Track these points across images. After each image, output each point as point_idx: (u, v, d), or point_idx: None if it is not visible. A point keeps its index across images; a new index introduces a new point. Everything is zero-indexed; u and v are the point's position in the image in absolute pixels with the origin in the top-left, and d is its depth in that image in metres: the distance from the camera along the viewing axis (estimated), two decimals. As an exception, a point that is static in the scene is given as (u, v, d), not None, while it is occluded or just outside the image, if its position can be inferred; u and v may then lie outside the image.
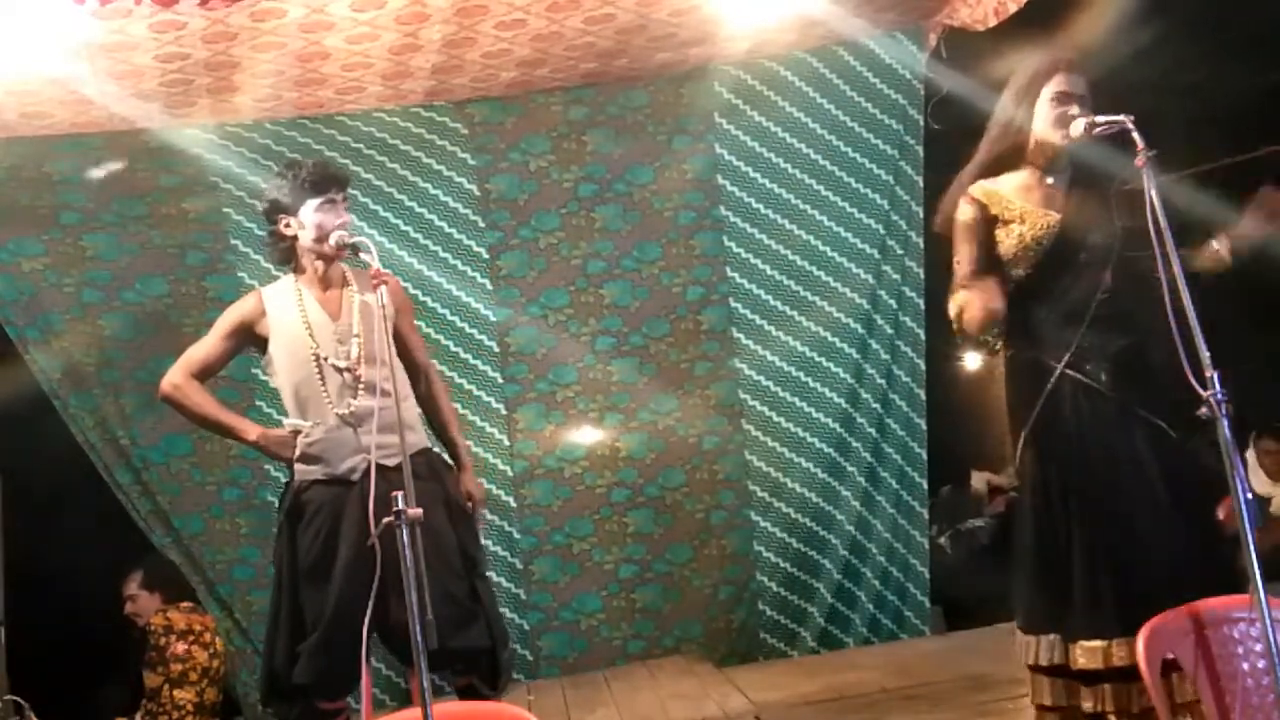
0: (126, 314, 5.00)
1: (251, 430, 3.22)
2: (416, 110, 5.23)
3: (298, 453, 3.13)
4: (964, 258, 3.03)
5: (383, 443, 2.94)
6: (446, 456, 3.36)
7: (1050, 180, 3.01)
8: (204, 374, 3.25)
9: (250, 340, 3.24)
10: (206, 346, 3.24)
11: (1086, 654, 2.80)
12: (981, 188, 3.03)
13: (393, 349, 2.77)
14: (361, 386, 3.10)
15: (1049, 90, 2.95)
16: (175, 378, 3.21)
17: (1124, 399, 2.90)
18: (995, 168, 3.05)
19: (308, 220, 3.13)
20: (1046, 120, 2.95)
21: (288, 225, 3.16)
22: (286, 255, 3.23)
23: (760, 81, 5.34)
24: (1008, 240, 2.99)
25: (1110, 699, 2.81)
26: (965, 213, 3.03)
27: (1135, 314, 2.93)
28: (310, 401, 3.13)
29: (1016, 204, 3.00)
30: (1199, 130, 5.40)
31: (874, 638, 5.26)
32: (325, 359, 3.11)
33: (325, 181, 3.12)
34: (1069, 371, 2.92)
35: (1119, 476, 2.87)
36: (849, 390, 5.28)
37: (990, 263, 3.01)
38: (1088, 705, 2.84)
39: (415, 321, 3.57)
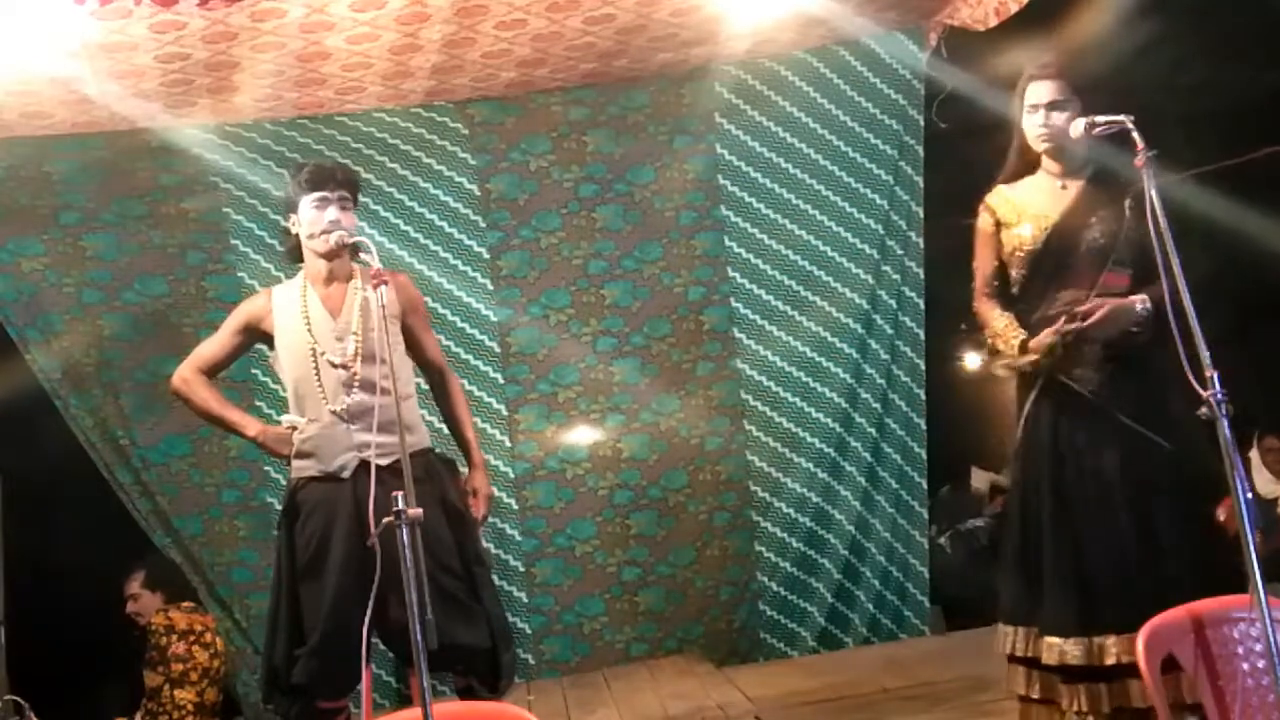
0: (126, 314, 5.00)
1: (252, 426, 3.25)
2: (417, 110, 5.23)
3: (294, 449, 3.15)
4: (978, 265, 3.18)
5: (379, 441, 2.94)
6: (452, 456, 3.36)
7: (1061, 184, 3.07)
8: (213, 370, 3.30)
9: (258, 337, 3.28)
10: (215, 343, 3.31)
11: (1048, 649, 2.93)
12: (997, 193, 3.15)
13: (393, 347, 2.76)
14: (357, 383, 3.10)
15: (1028, 98, 3.07)
16: (184, 372, 3.28)
17: (1110, 407, 2.93)
18: (1017, 174, 3.16)
19: (302, 217, 3.16)
20: (1028, 128, 3.07)
21: (293, 223, 3.20)
22: (295, 254, 3.26)
23: (761, 81, 5.34)
24: (1007, 244, 3.10)
25: (1085, 698, 2.88)
26: (982, 219, 3.17)
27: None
28: (308, 398, 3.14)
29: (1019, 207, 3.09)
30: (1198, 129, 5.40)
31: (874, 638, 5.26)
32: (322, 355, 3.12)
33: (320, 179, 3.14)
34: (1058, 376, 2.98)
35: (1087, 483, 2.95)
36: (848, 390, 5.28)
37: (1003, 268, 3.14)
38: (1064, 703, 2.95)
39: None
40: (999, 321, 3.10)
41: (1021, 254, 3.06)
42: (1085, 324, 2.91)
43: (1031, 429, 3.03)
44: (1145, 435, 2.89)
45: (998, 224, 3.12)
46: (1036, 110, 3.03)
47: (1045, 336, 2.96)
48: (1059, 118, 2.99)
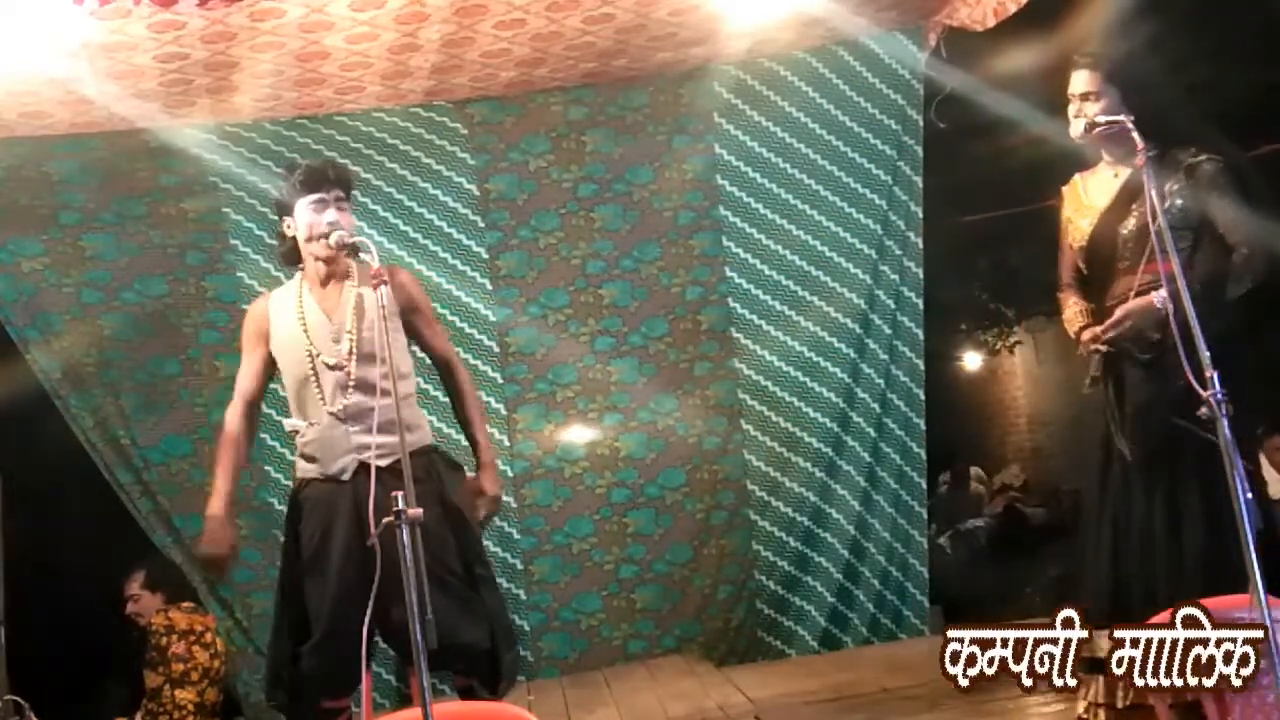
0: (126, 314, 4.99)
1: (214, 508, 3.13)
2: (416, 110, 5.22)
3: (297, 452, 3.16)
4: (1060, 255, 3.29)
5: (379, 441, 2.94)
6: (460, 451, 3.35)
7: (1114, 172, 3.09)
8: (254, 396, 3.26)
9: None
10: (244, 371, 3.27)
11: None
12: (1073, 183, 3.22)
13: (391, 347, 2.75)
14: (353, 384, 3.10)
15: (1069, 88, 3.10)
16: (227, 416, 3.24)
17: (1146, 401, 2.94)
18: (1093, 161, 3.22)
19: (300, 220, 3.14)
20: (1070, 118, 3.11)
21: (288, 226, 3.18)
22: (291, 256, 3.25)
23: (760, 81, 5.33)
24: (1070, 236, 3.21)
25: (1102, 691, 2.88)
26: (1063, 211, 3.26)
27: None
28: (308, 401, 3.15)
29: (1082, 198, 3.16)
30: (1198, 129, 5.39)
31: (874, 638, 5.25)
32: (318, 357, 3.11)
33: (316, 181, 3.12)
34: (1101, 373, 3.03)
35: (1110, 474, 2.96)
36: (846, 390, 5.27)
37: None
38: (1082, 692, 3.00)
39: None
40: (1068, 310, 3.21)
41: (1077, 247, 3.16)
42: (1105, 339, 2.95)
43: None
44: (1185, 428, 2.86)
45: (1067, 216, 3.21)
46: (1073, 101, 3.05)
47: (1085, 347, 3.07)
48: (1091, 109, 2.98)
